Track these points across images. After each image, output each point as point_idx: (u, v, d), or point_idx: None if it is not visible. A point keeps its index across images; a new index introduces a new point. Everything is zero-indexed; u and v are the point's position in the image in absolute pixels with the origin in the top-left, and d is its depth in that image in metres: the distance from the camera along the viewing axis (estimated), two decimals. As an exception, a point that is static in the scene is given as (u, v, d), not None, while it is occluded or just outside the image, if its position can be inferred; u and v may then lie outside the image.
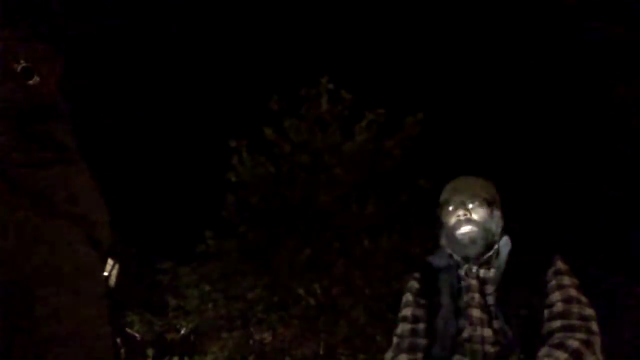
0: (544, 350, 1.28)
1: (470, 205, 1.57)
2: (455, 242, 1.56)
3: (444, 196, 1.66)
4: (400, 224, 7.61)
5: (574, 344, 1.27)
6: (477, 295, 1.47)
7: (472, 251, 1.52)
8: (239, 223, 7.89)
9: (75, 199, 0.72)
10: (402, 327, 1.56)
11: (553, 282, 1.43)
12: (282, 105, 7.97)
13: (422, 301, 1.59)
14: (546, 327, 1.36)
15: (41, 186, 0.69)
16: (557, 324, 1.34)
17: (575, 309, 1.36)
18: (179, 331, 9.04)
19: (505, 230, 1.59)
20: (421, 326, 1.53)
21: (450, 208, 1.61)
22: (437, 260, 1.64)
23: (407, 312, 1.59)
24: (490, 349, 1.37)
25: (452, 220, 1.59)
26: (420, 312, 1.57)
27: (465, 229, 1.54)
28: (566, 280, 1.43)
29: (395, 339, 1.56)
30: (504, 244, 1.54)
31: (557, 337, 1.30)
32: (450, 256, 1.60)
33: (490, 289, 1.48)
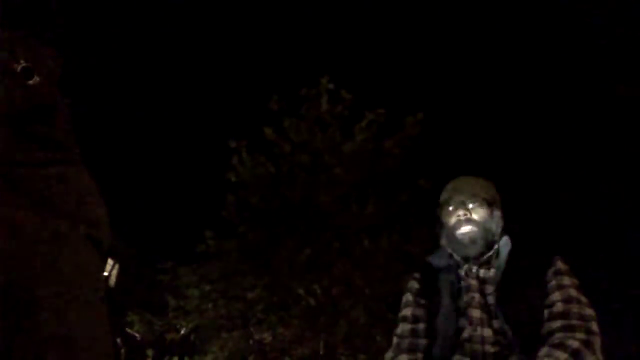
0: (544, 350, 1.28)
1: (471, 205, 1.57)
2: (455, 242, 1.56)
3: (444, 196, 1.66)
4: (400, 224, 7.61)
5: (574, 344, 1.27)
6: (477, 295, 1.47)
7: (472, 251, 1.52)
8: (239, 223, 7.89)
9: (75, 199, 0.72)
10: (402, 327, 1.56)
11: (553, 282, 1.43)
12: (282, 105, 7.97)
13: (422, 301, 1.59)
14: (546, 327, 1.36)
15: (41, 186, 0.68)
16: (557, 324, 1.34)
17: (575, 309, 1.35)
18: (179, 331, 9.04)
19: (505, 230, 1.59)
20: (421, 326, 1.53)
21: (451, 208, 1.61)
22: (437, 260, 1.64)
23: (407, 312, 1.59)
24: (490, 349, 1.37)
25: (452, 220, 1.59)
26: (420, 312, 1.57)
27: (465, 229, 1.54)
28: (566, 280, 1.43)
29: (395, 339, 1.56)
30: (504, 244, 1.54)
31: (557, 337, 1.30)
32: (451, 256, 1.60)
33: (490, 289, 1.48)
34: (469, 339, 1.41)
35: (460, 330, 1.43)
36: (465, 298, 1.48)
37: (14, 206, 0.64)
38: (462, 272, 1.55)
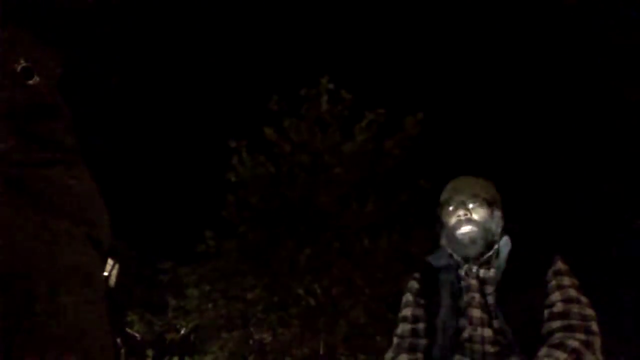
0: (543, 350, 1.28)
1: (471, 205, 1.57)
2: (455, 242, 1.56)
3: (444, 196, 1.66)
4: (400, 224, 7.61)
5: (573, 344, 1.27)
6: (477, 295, 1.47)
7: (472, 251, 1.52)
8: (239, 223, 7.90)
9: (76, 199, 0.72)
10: (402, 327, 1.56)
11: (553, 282, 1.43)
12: (282, 105, 7.97)
13: (422, 301, 1.59)
14: (546, 327, 1.36)
15: (41, 186, 0.68)
16: (557, 324, 1.34)
17: (575, 309, 1.35)
18: (179, 331, 9.04)
19: (505, 230, 1.59)
20: (421, 326, 1.53)
21: (451, 208, 1.61)
22: (437, 260, 1.64)
23: (407, 312, 1.59)
24: (490, 348, 1.37)
25: (453, 220, 1.59)
26: (420, 312, 1.57)
27: (465, 229, 1.54)
28: (566, 280, 1.43)
29: (395, 339, 1.56)
30: (504, 244, 1.54)
31: (556, 337, 1.30)
32: (451, 256, 1.60)
33: (490, 288, 1.48)
34: (469, 339, 1.41)
35: (460, 330, 1.43)
36: (465, 298, 1.48)
37: (14, 206, 0.64)
38: (462, 272, 1.55)
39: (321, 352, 7.42)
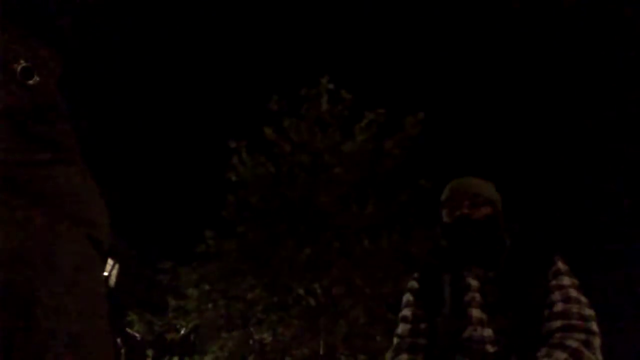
0: (543, 351, 1.28)
1: (471, 206, 1.57)
2: (455, 242, 1.56)
3: (444, 196, 1.66)
4: (400, 224, 7.61)
5: (573, 344, 1.27)
6: (477, 295, 1.47)
7: (473, 251, 1.53)
8: (239, 223, 7.89)
9: (75, 199, 0.72)
10: (403, 327, 1.56)
11: (553, 282, 1.43)
12: (282, 105, 7.97)
13: (423, 301, 1.59)
14: (546, 327, 1.36)
15: (41, 186, 0.68)
16: (556, 324, 1.34)
17: (575, 309, 1.36)
18: (179, 331, 9.04)
19: (505, 230, 1.59)
20: (421, 326, 1.54)
21: (451, 208, 1.61)
22: (438, 260, 1.64)
23: (407, 312, 1.59)
24: (490, 348, 1.37)
25: (453, 220, 1.59)
26: (420, 312, 1.57)
27: (465, 229, 1.54)
28: (566, 280, 1.43)
29: (395, 339, 1.56)
30: (504, 244, 1.54)
31: (556, 337, 1.30)
32: (451, 256, 1.61)
33: (490, 289, 1.48)
34: (469, 339, 1.41)
35: (460, 330, 1.43)
36: (465, 298, 1.48)
37: (13, 206, 0.64)
38: (462, 272, 1.55)
39: (321, 352, 7.42)
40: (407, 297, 1.63)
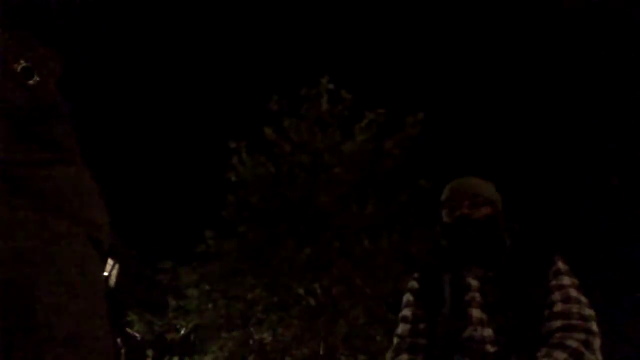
0: (543, 351, 1.28)
1: (471, 206, 1.57)
2: (455, 242, 1.56)
3: (444, 196, 1.66)
4: (400, 224, 7.61)
5: (573, 344, 1.27)
6: (477, 295, 1.47)
7: (473, 251, 1.53)
8: (239, 223, 7.89)
9: (75, 199, 0.72)
10: (403, 327, 1.56)
11: (553, 282, 1.43)
12: (282, 105, 7.97)
13: (423, 301, 1.59)
14: (546, 327, 1.36)
15: (41, 186, 0.68)
16: (556, 324, 1.34)
17: (575, 309, 1.36)
18: (179, 331, 9.03)
19: (505, 230, 1.59)
20: (421, 326, 1.53)
21: (451, 208, 1.61)
22: (438, 260, 1.64)
23: (407, 312, 1.59)
24: (490, 348, 1.37)
25: (453, 220, 1.59)
26: (420, 312, 1.57)
27: (465, 229, 1.54)
28: (566, 280, 1.43)
29: (395, 339, 1.56)
30: (504, 244, 1.54)
31: (556, 337, 1.30)
32: (451, 256, 1.61)
33: (490, 289, 1.48)
34: (469, 339, 1.41)
35: (460, 330, 1.43)
36: (465, 298, 1.48)
37: (13, 206, 0.64)
38: (462, 272, 1.55)
39: (321, 352, 7.41)
40: (407, 297, 1.63)
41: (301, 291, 7.60)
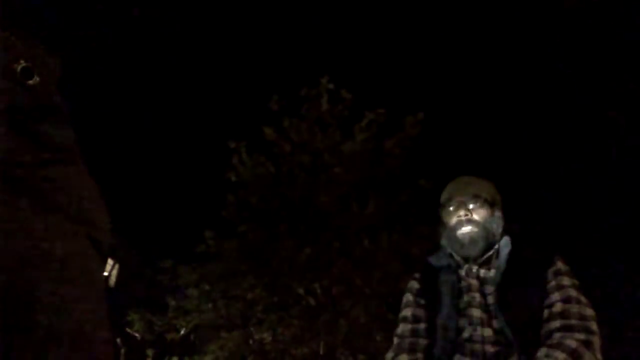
0: (542, 351, 1.28)
1: (471, 206, 1.57)
2: (455, 242, 1.56)
3: (444, 196, 1.66)
4: (400, 224, 7.61)
5: (572, 344, 1.27)
6: (477, 295, 1.47)
7: (473, 251, 1.53)
8: (239, 223, 7.89)
9: (76, 200, 0.72)
10: (403, 327, 1.56)
11: (553, 283, 1.43)
12: (282, 105, 7.97)
13: (423, 301, 1.59)
14: (546, 327, 1.36)
15: (41, 186, 0.68)
16: (556, 324, 1.34)
17: (574, 309, 1.36)
18: (179, 331, 9.04)
19: (505, 231, 1.59)
20: (422, 326, 1.54)
21: (451, 208, 1.61)
22: (438, 260, 1.64)
23: (407, 312, 1.59)
24: (490, 348, 1.37)
25: (453, 220, 1.59)
26: (420, 312, 1.57)
27: (466, 229, 1.54)
28: (566, 280, 1.43)
29: (395, 339, 1.56)
30: (504, 245, 1.54)
31: (556, 337, 1.30)
32: (451, 256, 1.61)
33: (490, 289, 1.48)
34: (469, 339, 1.41)
35: (460, 330, 1.43)
36: (465, 298, 1.48)
37: (13, 206, 0.64)
38: (462, 272, 1.55)
39: (321, 352, 7.42)
40: (407, 297, 1.63)
41: (301, 291, 7.60)
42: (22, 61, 0.72)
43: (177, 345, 9.59)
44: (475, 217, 1.56)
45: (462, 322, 1.44)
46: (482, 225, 1.54)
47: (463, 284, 1.53)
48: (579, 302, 1.37)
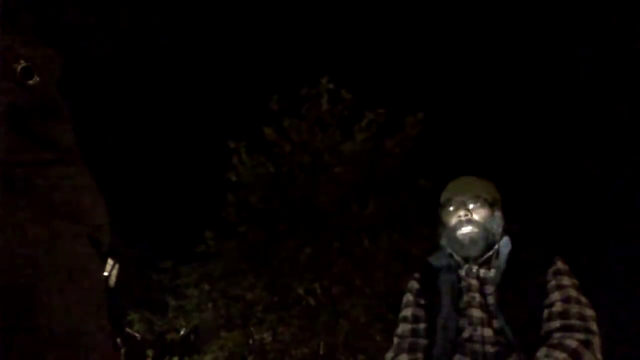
0: (542, 350, 1.28)
1: (471, 206, 1.57)
2: (455, 242, 1.56)
3: (444, 196, 1.66)
4: (400, 224, 7.60)
5: (572, 343, 1.27)
6: (477, 295, 1.47)
7: (473, 252, 1.53)
8: (239, 223, 7.89)
9: (75, 200, 0.72)
10: (403, 328, 1.56)
11: (553, 282, 1.43)
12: (282, 105, 7.96)
13: (423, 301, 1.59)
14: (545, 327, 1.36)
15: (41, 186, 0.68)
16: (556, 324, 1.34)
17: (574, 309, 1.36)
18: (179, 331, 9.03)
19: (505, 231, 1.59)
20: (422, 326, 1.54)
21: (451, 208, 1.61)
22: (438, 260, 1.64)
23: (407, 312, 1.59)
24: (490, 348, 1.37)
25: (453, 220, 1.59)
26: (420, 312, 1.57)
27: (466, 229, 1.54)
28: (566, 280, 1.43)
29: (395, 339, 1.56)
30: (504, 245, 1.54)
31: (555, 337, 1.30)
32: (451, 256, 1.61)
33: (490, 289, 1.48)
34: (469, 339, 1.41)
35: (460, 330, 1.43)
36: (465, 298, 1.48)
37: (13, 206, 0.64)
38: (462, 272, 1.55)
39: (321, 352, 7.41)
40: (407, 297, 1.63)
41: (301, 291, 7.59)
42: (22, 61, 0.72)
43: (177, 345, 9.59)
44: (475, 217, 1.56)
45: (462, 322, 1.44)
46: (482, 226, 1.54)
47: (463, 284, 1.52)
48: (579, 302, 1.37)
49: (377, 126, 7.85)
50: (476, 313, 1.43)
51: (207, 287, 8.09)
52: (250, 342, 8.24)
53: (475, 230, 1.53)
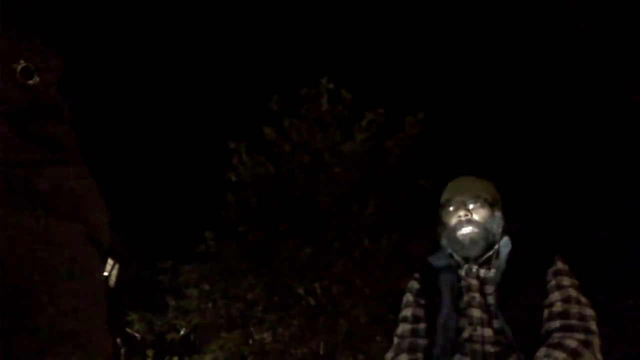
0: (542, 350, 1.28)
1: (472, 206, 1.57)
2: (455, 242, 1.56)
3: (445, 196, 1.66)
4: (400, 224, 7.61)
5: (572, 343, 1.27)
6: (477, 295, 1.47)
7: (473, 252, 1.53)
8: (239, 223, 7.89)
9: (75, 199, 0.72)
10: (403, 328, 1.56)
11: (553, 282, 1.43)
12: (282, 105, 7.96)
13: (423, 301, 1.59)
14: (545, 327, 1.36)
15: (41, 186, 0.68)
16: (556, 324, 1.34)
17: (574, 309, 1.36)
18: (179, 331, 9.03)
19: (505, 231, 1.59)
20: (422, 326, 1.54)
21: (451, 208, 1.61)
22: (438, 261, 1.64)
23: (407, 312, 1.59)
24: (490, 348, 1.37)
25: (453, 220, 1.59)
26: (420, 313, 1.57)
27: (466, 229, 1.54)
28: (566, 280, 1.43)
29: (395, 339, 1.56)
30: (504, 245, 1.54)
31: (555, 337, 1.30)
32: (451, 256, 1.61)
33: (490, 289, 1.48)
34: (469, 339, 1.41)
35: (460, 330, 1.43)
36: (465, 298, 1.48)
37: (13, 206, 0.64)
38: (462, 272, 1.55)
39: (321, 352, 7.41)
40: (407, 297, 1.63)
41: (301, 291, 7.59)
42: (22, 61, 0.72)
43: (177, 345, 9.58)
44: (476, 217, 1.56)
45: (462, 322, 1.44)
46: (482, 226, 1.54)
47: (463, 284, 1.53)
48: (578, 302, 1.38)
49: (377, 126, 7.85)
50: (476, 313, 1.43)
51: (207, 287, 8.08)
52: (250, 342, 8.24)
53: (476, 230, 1.53)
